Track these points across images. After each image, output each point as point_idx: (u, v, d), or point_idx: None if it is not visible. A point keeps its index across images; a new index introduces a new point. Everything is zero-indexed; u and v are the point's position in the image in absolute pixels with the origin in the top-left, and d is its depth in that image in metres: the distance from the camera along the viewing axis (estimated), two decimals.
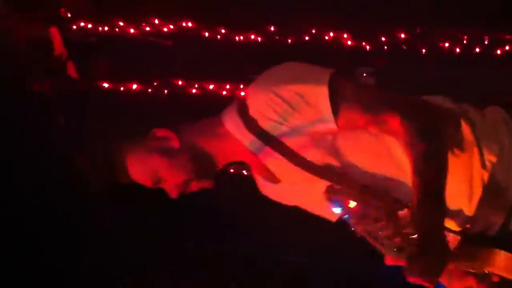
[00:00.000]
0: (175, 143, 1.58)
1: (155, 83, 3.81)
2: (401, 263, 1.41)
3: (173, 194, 1.61)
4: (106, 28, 3.76)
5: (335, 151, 1.50)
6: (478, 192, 1.49)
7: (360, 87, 1.51)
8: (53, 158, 3.53)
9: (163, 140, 1.58)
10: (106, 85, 3.92)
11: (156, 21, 3.64)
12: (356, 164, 1.50)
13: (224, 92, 3.66)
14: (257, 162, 1.59)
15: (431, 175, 1.39)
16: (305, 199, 1.65)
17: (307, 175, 1.53)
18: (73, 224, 3.49)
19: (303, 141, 1.49)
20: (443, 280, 1.59)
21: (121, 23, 3.72)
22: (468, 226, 1.49)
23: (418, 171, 1.39)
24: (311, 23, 3.26)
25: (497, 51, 2.81)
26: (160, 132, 1.58)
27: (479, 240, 1.48)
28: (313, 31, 3.28)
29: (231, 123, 1.54)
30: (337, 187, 1.43)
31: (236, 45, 3.55)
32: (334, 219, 1.64)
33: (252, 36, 3.54)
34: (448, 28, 3.04)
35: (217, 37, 3.59)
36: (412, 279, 1.38)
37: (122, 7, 3.72)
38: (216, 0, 3.53)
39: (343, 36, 3.21)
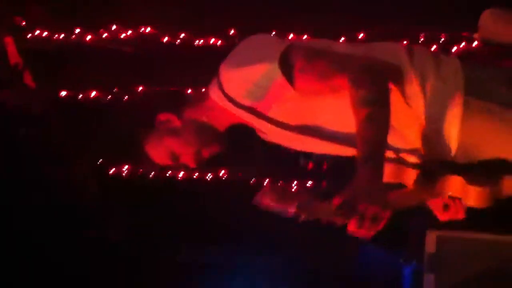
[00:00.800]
0: (177, 123, 1.81)
1: (114, 90, 3.77)
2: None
3: (192, 164, 1.85)
4: (62, 36, 3.71)
5: (303, 110, 1.72)
6: (426, 132, 1.70)
7: (312, 55, 1.68)
8: (14, 167, 3.48)
9: (167, 123, 1.81)
10: (64, 93, 3.86)
11: (114, 27, 3.61)
12: (325, 121, 1.73)
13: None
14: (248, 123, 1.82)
15: (371, 139, 1.57)
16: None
17: (280, 131, 1.76)
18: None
19: (271, 105, 1.72)
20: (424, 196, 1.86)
21: (78, 30, 3.67)
22: (424, 161, 1.70)
23: (359, 134, 1.57)
24: (272, 26, 3.28)
25: (453, 48, 2.88)
26: (162, 116, 1.81)
27: (436, 171, 1.69)
28: (273, 32, 3.30)
29: (214, 95, 1.76)
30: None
31: (196, 50, 3.55)
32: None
33: (212, 40, 3.53)
34: (405, 27, 3.10)
35: (176, 42, 3.58)
36: (351, 229, 1.54)
37: (79, 14, 3.67)
38: (174, 5, 3.51)
39: (302, 37, 3.25)
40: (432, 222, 2.01)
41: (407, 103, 1.66)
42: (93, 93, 3.83)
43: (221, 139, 1.84)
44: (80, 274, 3.46)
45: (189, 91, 3.60)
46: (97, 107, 3.82)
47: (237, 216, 3.52)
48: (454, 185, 1.71)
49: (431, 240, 3.10)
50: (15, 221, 3.43)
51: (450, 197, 1.85)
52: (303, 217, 1.55)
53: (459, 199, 1.85)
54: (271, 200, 1.58)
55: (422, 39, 2.87)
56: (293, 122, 1.74)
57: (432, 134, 1.67)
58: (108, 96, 3.82)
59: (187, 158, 1.83)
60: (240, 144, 2.18)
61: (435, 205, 1.93)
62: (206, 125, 1.80)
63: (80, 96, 3.86)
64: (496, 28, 1.95)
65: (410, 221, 3.11)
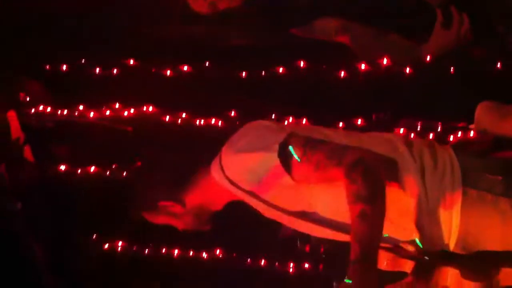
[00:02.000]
0: (178, 210, 1.94)
1: (113, 166, 3.80)
2: None
3: (180, 230, 2.03)
4: (65, 112, 3.76)
5: (299, 197, 1.78)
6: (424, 223, 1.74)
7: (310, 147, 1.74)
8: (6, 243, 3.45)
9: (169, 207, 1.94)
10: (63, 167, 3.88)
11: (117, 106, 3.67)
12: (321, 208, 1.78)
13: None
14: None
15: (364, 238, 1.58)
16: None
17: (275, 212, 1.83)
18: None
19: (268, 190, 1.79)
20: None
21: (81, 107, 3.74)
22: (422, 251, 1.73)
23: (353, 231, 1.60)
24: (271, 109, 3.35)
25: (449, 137, 2.94)
26: (164, 203, 1.94)
27: (434, 262, 1.72)
28: (273, 116, 3.37)
29: (216, 175, 1.86)
30: None
31: (197, 130, 3.60)
32: None
33: (213, 121, 3.59)
34: (402, 115, 3.17)
35: (177, 121, 3.63)
36: None
37: (82, 93, 3.74)
38: (176, 85, 3.59)
39: (301, 122, 3.30)
40: None
41: (405, 195, 1.68)
42: (92, 168, 3.86)
43: (211, 222, 1.98)
44: None
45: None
46: (96, 182, 3.83)
47: None
48: (451, 277, 1.71)
49: None
50: None
51: None
52: None
53: None
54: None
55: (419, 128, 2.93)
56: (289, 207, 1.81)
57: (431, 225, 1.68)
58: (107, 171, 3.84)
59: (178, 228, 2.00)
60: (237, 222, 2.23)
61: None
62: (204, 209, 1.92)
63: (79, 171, 3.88)
64: (491, 121, 2.01)
65: None
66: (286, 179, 1.72)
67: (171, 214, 1.96)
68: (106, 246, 3.84)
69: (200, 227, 1.99)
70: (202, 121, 3.59)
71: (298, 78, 3.26)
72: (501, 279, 1.73)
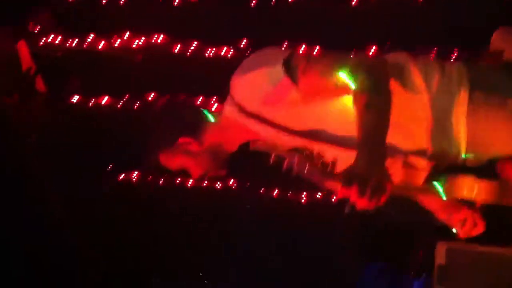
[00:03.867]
0: (196, 147, 1.89)
1: (125, 97, 3.79)
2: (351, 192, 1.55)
3: (194, 178, 2.01)
4: (75, 42, 3.73)
5: (307, 115, 1.76)
6: (434, 131, 1.72)
7: (314, 58, 1.75)
8: (22, 173, 3.49)
9: (187, 145, 1.89)
10: (75, 99, 3.88)
11: (127, 35, 3.63)
12: (326, 124, 1.77)
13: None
14: (256, 136, 1.87)
15: (370, 124, 1.59)
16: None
17: (284, 135, 1.80)
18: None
19: (276, 109, 1.77)
20: (443, 216, 1.89)
21: (90, 38, 3.70)
22: (434, 163, 1.71)
23: (358, 122, 1.60)
24: (283, 37, 3.29)
25: None
26: (183, 139, 1.89)
27: (446, 171, 1.71)
28: (285, 44, 3.32)
29: (226, 110, 1.84)
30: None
31: (208, 59, 3.56)
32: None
33: (224, 50, 3.55)
34: (417, 44, 3.11)
35: (188, 51, 3.59)
36: (353, 198, 1.53)
37: (92, 21, 3.69)
38: (187, 14, 3.53)
39: (314, 49, 3.25)
40: (442, 235, 2.01)
41: (412, 98, 1.69)
42: (105, 99, 3.85)
43: (227, 165, 1.92)
44: None
45: (200, 99, 3.64)
46: (108, 114, 3.83)
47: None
48: (465, 184, 1.71)
49: (441, 252, 3.08)
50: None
51: (465, 203, 1.84)
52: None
53: (476, 209, 1.85)
54: None
55: (433, 55, 2.87)
56: (298, 127, 1.77)
57: (439, 130, 1.68)
58: (119, 103, 3.83)
59: (194, 174, 1.94)
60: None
61: (453, 222, 1.93)
62: (220, 150, 1.88)
63: (92, 101, 3.87)
64: (510, 46, 1.95)
65: (420, 234, 3.11)
66: (293, 94, 1.71)
67: (188, 154, 1.90)
68: (122, 177, 3.88)
69: (215, 170, 1.93)
70: (213, 50, 3.55)
71: (310, 6, 3.19)
72: None
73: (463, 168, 1.73)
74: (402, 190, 1.77)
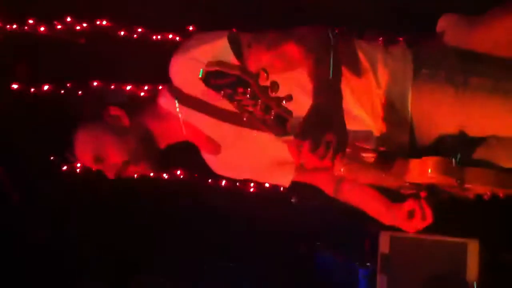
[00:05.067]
0: (125, 122, 1.70)
1: (68, 85, 3.67)
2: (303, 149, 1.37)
3: (110, 174, 1.73)
4: (14, 26, 3.59)
5: None
6: (380, 112, 1.68)
7: (259, 33, 1.66)
8: None
9: (115, 118, 1.70)
10: (15, 86, 3.73)
11: (69, 19, 3.50)
12: None
13: (142, 94, 3.57)
14: (194, 133, 1.73)
15: (322, 74, 1.49)
16: (251, 163, 1.80)
17: (228, 126, 1.68)
18: None
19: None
20: (388, 219, 1.85)
21: (31, 21, 3.56)
22: (381, 148, 1.65)
23: (313, 75, 1.51)
24: (233, 25, 3.22)
25: None
26: (113, 110, 1.70)
27: (395, 152, 1.64)
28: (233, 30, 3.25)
29: (163, 99, 1.70)
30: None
31: (154, 45, 3.47)
32: (286, 184, 1.88)
33: (170, 36, 3.47)
34: (364, 31, 3.11)
35: (133, 36, 3.50)
36: (304, 152, 1.35)
37: (33, 5, 3.55)
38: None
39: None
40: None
41: (358, 81, 1.65)
42: (46, 87, 3.72)
43: (153, 160, 1.72)
44: None
45: (146, 87, 3.54)
46: (50, 101, 3.71)
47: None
48: (413, 166, 1.62)
49: (384, 240, 3.11)
50: None
51: (410, 195, 1.79)
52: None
53: (422, 199, 1.79)
54: None
55: (381, 42, 2.86)
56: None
57: (387, 111, 1.65)
58: (61, 90, 3.71)
59: (110, 166, 1.71)
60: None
61: (399, 222, 1.86)
62: (150, 136, 1.70)
63: (32, 89, 3.74)
64: (456, 34, 1.94)
65: (365, 224, 3.12)
66: None
67: (113, 129, 1.69)
68: (65, 168, 3.77)
69: (138, 161, 1.70)
70: (159, 36, 3.46)
71: None
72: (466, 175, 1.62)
73: (412, 152, 1.68)
74: (352, 170, 1.67)
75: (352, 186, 1.92)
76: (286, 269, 3.60)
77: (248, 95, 1.26)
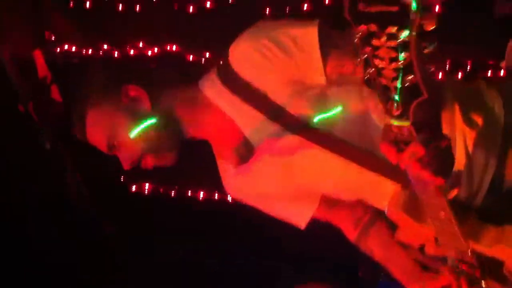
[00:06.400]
0: (146, 105, 1.41)
1: None
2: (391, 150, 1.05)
3: (126, 165, 1.45)
4: (90, 51, 3.75)
5: (320, 102, 1.36)
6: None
7: (345, 34, 1.39)
8: (38, 179, 3.50)
9: (134, 100, 1.41)
10: None
11: (141, 44, 3.64)
12: (341, 119, 1.36)
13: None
14: (228, 137, 1.45)
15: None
16: (274, 189, 1.48)
17: (284, 141, 1.37)
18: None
19: (287, 87, 1.35)
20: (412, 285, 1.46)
21: (105, 46, 3.71)
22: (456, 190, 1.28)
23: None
24: None
25: (478, 75, 2.85)
26: (133, 90, 1.41)
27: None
28: None
29: (209, 87, 1.42)
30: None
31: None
32: (303, 224, 1.55)
33: None
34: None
35: (201, 61, 3.60)
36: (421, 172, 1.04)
37: (107, 31, 3.71)
38: (201, 24, 3.54)
39: None
40: None
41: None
42: None
43: (176, 151, 1.44)
44: None
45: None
46: None
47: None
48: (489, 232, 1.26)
49: None
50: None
51: (450, 266, 1.36)
52: None
53: (463, 278, 1.34)
54: None
55: (448, 66, 2.84)
56: (300, 113, 1.37)
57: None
58: None
59: (125, 155, 1.41)
60: None
61: None
62: (177, 124, 1.43)
63: None
64: None
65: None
66: (320, 72, 1.32)
67: (131, 113, 1.39)
68: (133, 188, 3.86)
69: (162, 151, 1.42)
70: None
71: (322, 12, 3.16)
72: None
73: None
74: None
75: (381, 239, 1.55)
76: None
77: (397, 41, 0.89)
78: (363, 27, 0.92)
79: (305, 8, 3.24)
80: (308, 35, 1.34)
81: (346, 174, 1.39)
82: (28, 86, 3.66)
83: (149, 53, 3.67)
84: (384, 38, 0.91)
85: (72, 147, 3.63)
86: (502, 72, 2.70)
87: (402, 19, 0.88)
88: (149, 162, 1.46)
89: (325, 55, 1.35)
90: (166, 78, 1.44)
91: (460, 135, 1.32)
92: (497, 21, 2.61)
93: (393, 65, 0.93)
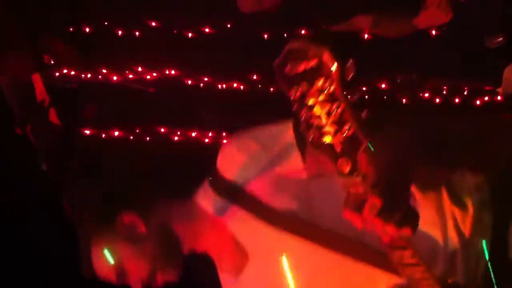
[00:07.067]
0: (141, 228, 1.50)
1: (137, 130, 3.80)
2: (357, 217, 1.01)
3: (137, 284, 1.52)
4: (89, 75, 3.77)
5: (303, 194, 1.39)
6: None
7: None
8: (38, 179, 3.50)
9: (130, 227, 1.50)
10: (88, 132, 3.90)
11: (140, 69, 3.66)
12: (326, 209, 1.38)
13: (207, 140, 3.66)
14: (224, 239, 1.50)
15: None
16: None
17: (274, 242, 1.41)
18: None
19: (269, 183, 1.40)
20: None
21: (104, 71, 3.73)
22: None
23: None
24: None
25: (476, 101, 2.87)
26: (126, 218, 1.51)
27: None
28: None
29: (200, 194, 1.50)
30: None
31: (219, 93, 3.58)
32: None
33: (235, 85, 3.56)
34: (428, 79, 3.10)
35: (200, 85, 3.61)
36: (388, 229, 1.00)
37: (106, 55, 3.73)
38: (199, 48, 3.56)
39: None
40: None
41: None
42: (116, 133, 3.87)
43: (179, 266, 1.51)
44: None
45: (194, 134, 3.59)
46: (121, 145, 3.84)
47: None
48: None
49: None
50: None
51: None
52: None
53: None
54: None
55: (444, 92, 2.87)
56: (285, 207, 1.39)
57: None
58: (130, 136, 3.85)
59: (134, 279, 1.49)
60: None
61: None
62: (175, 239, 1.49)
63: (103, 135, 3.89)
64: None
65: None
66: (295, 161, 1.37)
67: (129, 238, 1.49)
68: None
69: (165, 267, 1.49)
70: (224, 85, 3.56)
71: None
72: None
73: None
74: None
75: None
76: None
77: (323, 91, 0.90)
78: (295, 88, 0.95)
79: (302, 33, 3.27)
80: (284, 129, 1.40)
81: (341, 271, 1.41)
82: (26, 109, 3.67)
83: (148, 77, 3.69)
84: (315, 95, 0.94)
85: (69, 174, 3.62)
86: (499, 97, 2.72)
87: (325, 70, 0.91)
88: (158, 279, 1.53)
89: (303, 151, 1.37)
90: (158, 199, 1.51)
91: (450, 217, 1.34)
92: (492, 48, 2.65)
93: (331, 119, 0.94)
